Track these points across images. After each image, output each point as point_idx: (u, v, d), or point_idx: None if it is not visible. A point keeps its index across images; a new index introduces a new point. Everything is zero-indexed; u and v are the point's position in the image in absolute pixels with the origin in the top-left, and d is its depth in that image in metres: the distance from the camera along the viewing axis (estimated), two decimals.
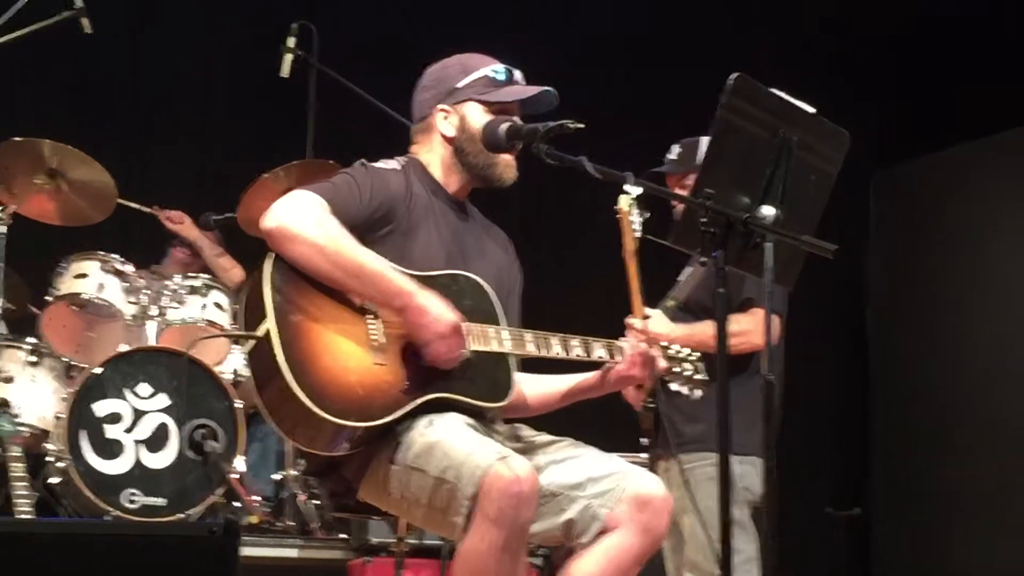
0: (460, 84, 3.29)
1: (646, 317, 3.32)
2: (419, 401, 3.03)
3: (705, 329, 3.79)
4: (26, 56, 5.72)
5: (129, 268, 5.58)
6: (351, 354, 3.00)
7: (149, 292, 5.60)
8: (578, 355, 3.25)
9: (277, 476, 5.78)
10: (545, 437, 3.21)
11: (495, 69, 3.30)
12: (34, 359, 5.39)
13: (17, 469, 4.76)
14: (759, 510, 4.02)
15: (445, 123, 3.28)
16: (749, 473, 3.94)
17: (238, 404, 5.23)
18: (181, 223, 6.26)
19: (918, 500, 7.12)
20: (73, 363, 5.44)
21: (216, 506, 5.15)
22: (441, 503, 2.93)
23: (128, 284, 5.55)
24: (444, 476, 2.90)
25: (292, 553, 5.32)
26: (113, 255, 5.57)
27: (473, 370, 3.11)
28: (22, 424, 5.16)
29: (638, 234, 3.53)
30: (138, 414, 5.13)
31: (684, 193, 3.55)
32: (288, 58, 5.97)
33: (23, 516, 4.60)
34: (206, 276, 5.83)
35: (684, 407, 3.53)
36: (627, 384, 3.37)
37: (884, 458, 7.43)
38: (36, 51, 5.70)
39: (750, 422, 3.59)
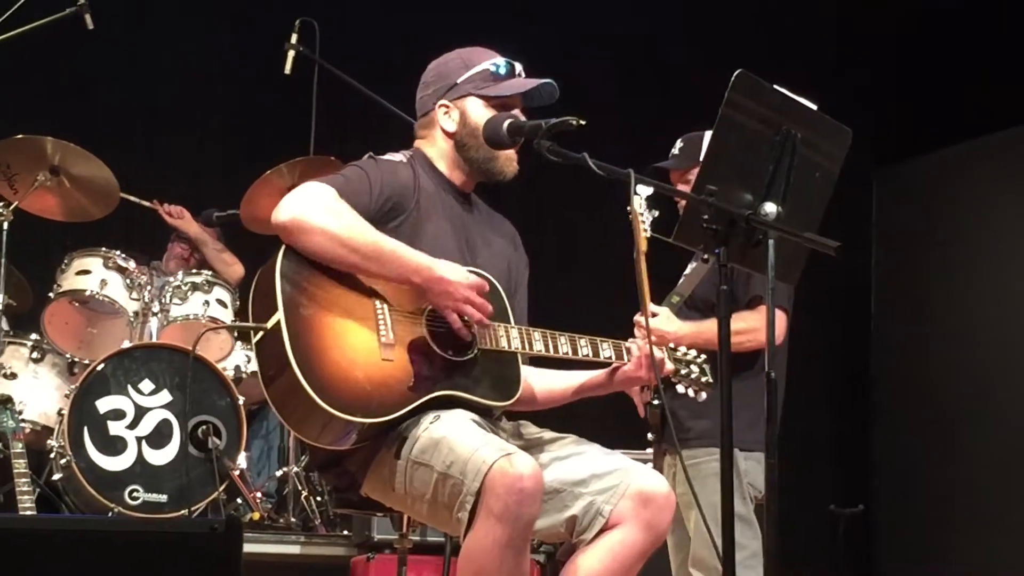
0: (460, 79, 3.28)
1: (654, 315, 3.31)
2: (426, 398, 3.03)
3: (712, 327, 3.75)
4: (28, 53, 5.72)
5: (132, 264, 5.59)
6: (360, 349, 2.99)
7: (151, 289, 5.61)
8: (586, 355, 3.25)
9: (279, 472, 5.79)
10: (549, 434, 3.21)
11: (496, 63, 3.29)
12: (37, 355, 5.41)
13: (20, 465, 4.76)
14: (763, 506, 4.00)
15: (446, 118, 3.28)
16: (754, 469, 3.92)
17: (240, 401, 5.24)
18: (181, 218, 6.25)
19: (920, 497, 7.13)
20: (75, 359, 5.45)
21: (218, 502, 5.15)
22: (445, 499, 2.92)
23: (131, 280, 5.55)
24: (449, 472, 2.90)
25: (294, 550, 5.32)
26: (116, 251, 5.57)
27: (481, 368, 3.10)
28: (24, 420, 5.18)
29: (648, 233, 3.54)
30: (140, 410, 5.14)
31: (687, 189, 3.54)
32: (291, 55, 5.97)
33: (25, 512, 4.60)
34: (208, 273, 5.83)
35: (690, 403, 3.52)
36: (633, 384, 3.39)
37: (886, 455, 7.43)
38: (38, 48, 5.70)
39: (755, 418, 3.59)
